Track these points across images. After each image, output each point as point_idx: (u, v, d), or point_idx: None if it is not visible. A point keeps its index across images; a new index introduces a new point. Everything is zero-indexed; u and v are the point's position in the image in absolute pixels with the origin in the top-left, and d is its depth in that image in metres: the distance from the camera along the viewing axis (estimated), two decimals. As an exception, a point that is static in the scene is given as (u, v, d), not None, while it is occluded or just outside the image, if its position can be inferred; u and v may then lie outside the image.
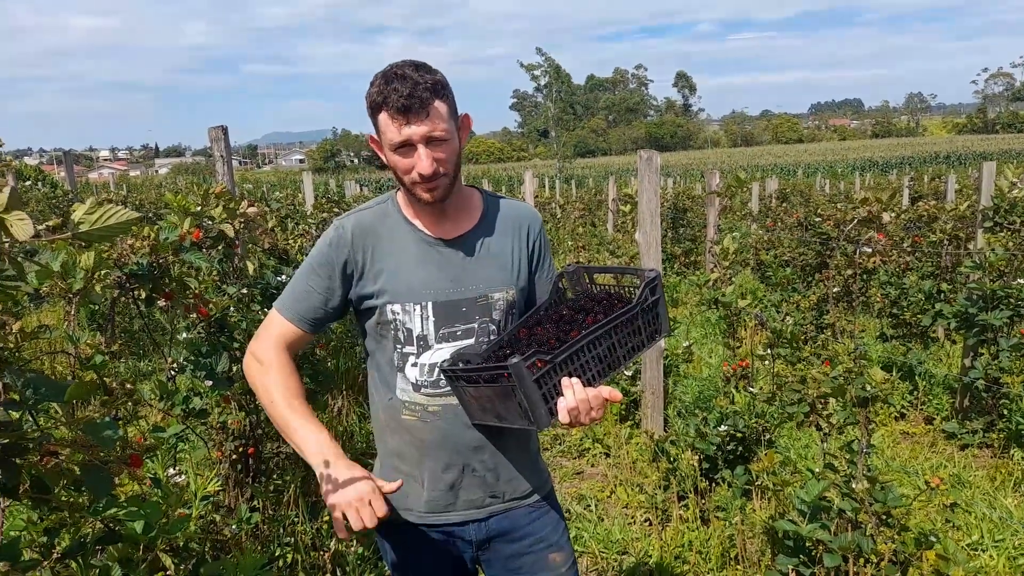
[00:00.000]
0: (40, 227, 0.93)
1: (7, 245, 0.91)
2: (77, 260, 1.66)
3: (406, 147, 1.47)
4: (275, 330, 1.64)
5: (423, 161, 1.46)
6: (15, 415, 1.19)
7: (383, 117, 1.46)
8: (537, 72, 67.06)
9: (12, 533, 1.56)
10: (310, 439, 1.49)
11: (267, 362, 1.60)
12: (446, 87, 1.49)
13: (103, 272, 1.73)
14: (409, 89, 1.41)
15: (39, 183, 7.17)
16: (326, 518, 3.14)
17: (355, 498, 1.40)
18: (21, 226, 0.87)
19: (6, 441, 1.15)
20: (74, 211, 0.94)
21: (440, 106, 1.46)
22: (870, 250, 5.52)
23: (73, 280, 1.59)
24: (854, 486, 2.64)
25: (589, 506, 3.94)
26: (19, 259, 1.03)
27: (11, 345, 1.37)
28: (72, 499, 1.46)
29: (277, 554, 2.88)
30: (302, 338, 1.65)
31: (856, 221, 4.99)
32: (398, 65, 1.46)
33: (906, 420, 5.10)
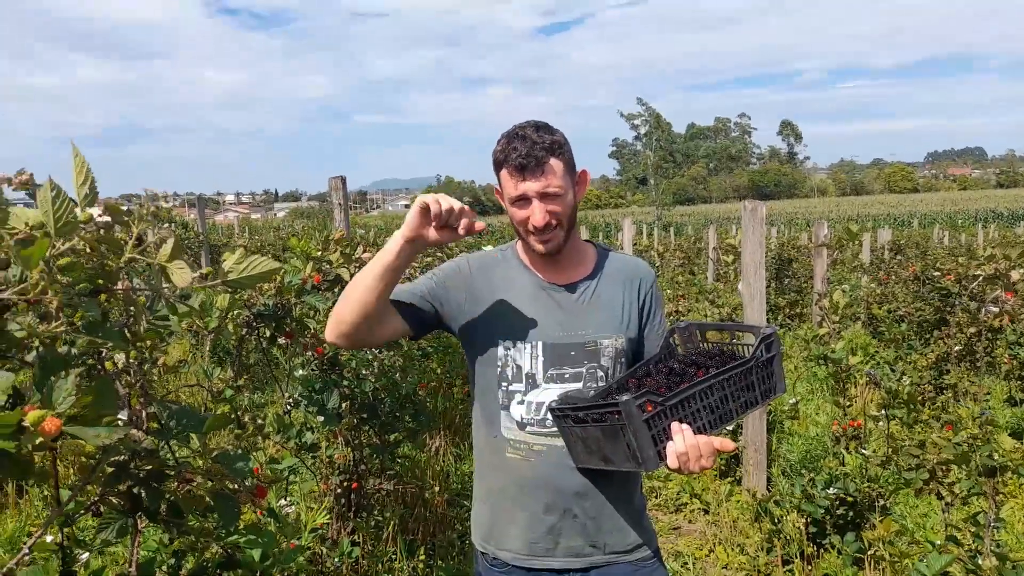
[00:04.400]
0: (195, 275, 1.04)
1: (167, 291, 1.01)
2: (214, 300, 1.80)
3: (522, 200, 1.57)
4: None
5: (537, 214, 1.56)
6: (158, 444, 1.30)
7: (504, 173, 1.58)
8: (637, 121, 67.30)
9: (145, 553, 1.68)
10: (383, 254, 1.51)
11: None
12: (563, 146, 1.58)
13: (236, 312, 1.87)
14: (527, 149, 1.52)
15: (172, 225, 7.80)
16: (422, 557, 3.20)
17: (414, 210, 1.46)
18: (181, 274, 0.97)
19: (150, 468, 1.26)
20: (224, 260, 1.04)
21: (556, 164, 1.55)
22: (996, 309, 5.17)
23: (210, 319, 1.72)
24: (980, 562, 2.45)
25: (687, 564, 3.82)
26: (172, 302, 1.14)
27: (155, 379, 1.50)
28: (200, 524, 1.57)
29: (375, 590, 2.94)
30: (395, 318, 1.62)
31: (982, 278, 4.70)
32: (520, 126, 1.58)
33: (1039, 493, 4.68)
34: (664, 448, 1.37)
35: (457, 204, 1.46)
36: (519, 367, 1.64)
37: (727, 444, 1.41)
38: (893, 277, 9.08)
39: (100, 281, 1.00)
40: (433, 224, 1.47)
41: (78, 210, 1.02)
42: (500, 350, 1.65)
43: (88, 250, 1.00)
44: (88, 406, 0.92)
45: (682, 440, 1.36)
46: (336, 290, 2.73)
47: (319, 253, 2.58)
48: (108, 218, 1.06)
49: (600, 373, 1.65)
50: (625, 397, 1.32)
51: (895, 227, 36.65)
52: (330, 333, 1.61)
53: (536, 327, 1.64)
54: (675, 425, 1.38)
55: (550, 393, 1.63)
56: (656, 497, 4.75)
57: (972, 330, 5.92)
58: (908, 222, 53.24)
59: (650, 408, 1.35)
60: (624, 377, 1.62)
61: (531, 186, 1.54)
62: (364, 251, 2.98)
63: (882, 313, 7.88)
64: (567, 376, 1.64)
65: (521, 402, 1.64)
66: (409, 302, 1.64)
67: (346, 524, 3.20)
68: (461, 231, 1.48)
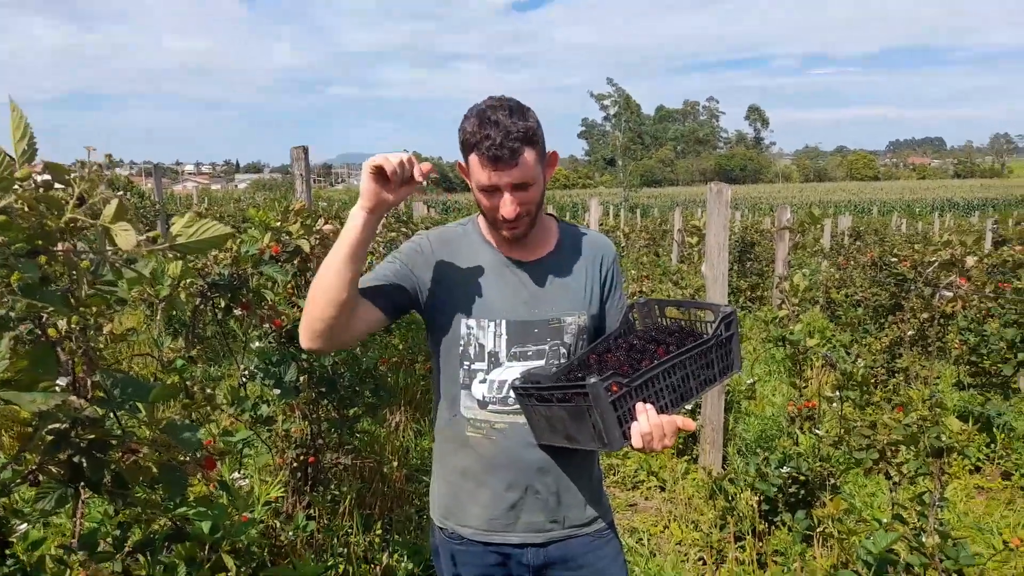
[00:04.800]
0: (141, 237, 1.00)
1: (111, 253, 0.97)
2: (165, 268, 1.75)
3: (493, 190, 1.53)
4: None
5: (507, 206, 1.52)
6: (101, 412, 1.26)
7: (473, 158, 1.51)
8: (607, 102, 67.32)
9: (89, 524, 1.64)
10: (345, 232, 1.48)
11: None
12: (536, 132, 1.52)
13: (188, 281, 1.82)
14: (500, 138, 1.45)
15: (128, 193, 7.58)
16: (378, 531, 3.19)
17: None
18: (125, 236, 0.93)
19: (92, 437, 1.22)
20: (173, 223, 1.00)
21: (529, 154, 1.50)
22: (951, 295, 5.30)
23: (161, 287, 1.67)
24: (924, 540, 2.53)
25: (641, 540, 3.87)
26: (118, 267, 1.10)
27: (101, 346, 1.45)
28: (146, 496, 1.53)
29: (330, 564, 2.93)
30: (366, 306, 1.57)
31: (937, 264, 4.80)
32: (492, 107, 1.50)
33: (981, 474, 4.84)
34: (628, 428, 1.37)
35: (405, 155, 1.43)
36: (481, 346, 1.62)
37: (688, 423, 1.42)
38: (852, 262, 9.26)
39: (39, 242, 0.96)
40: (391, 183, 1.43)
41: (16, 167, 0.97)
42: (463, 328, 1.63)
43: (26, 208, 0.95)
44: (24, 370, 0.89)
45: (646, 420, 1.36)
46: (295, 261, 2.68)
47: (278, 223, 2.53)
48: (48, 176, 1.01)
49: (563, 350, 1.64)
50: (592, 379, 1.32)
51: (855, 214, 37.38)
52: (305, 339, 1.53)
53: (499, 305, 1.62)
54: (639, 405, 1.38)
55: (512, 371, 1.61)
56: (614, 474, 4.81)
57: (925, 315, 6.08)
58: (868, 209, 54.36)
59: (616, 389, 1.35)
60: (585, 353, 1.62)
61: (503, 178, 1.49)
62: (325, 223, 2.93)
63: (840, 297, 8.04)
64: (530, 354, 1.63)
65: (483, 381, 1.63)
66: (378, 286, 1.58)
67: (302, 498, 3.18)
68: (419, 178, 1.44)
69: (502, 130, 1.46)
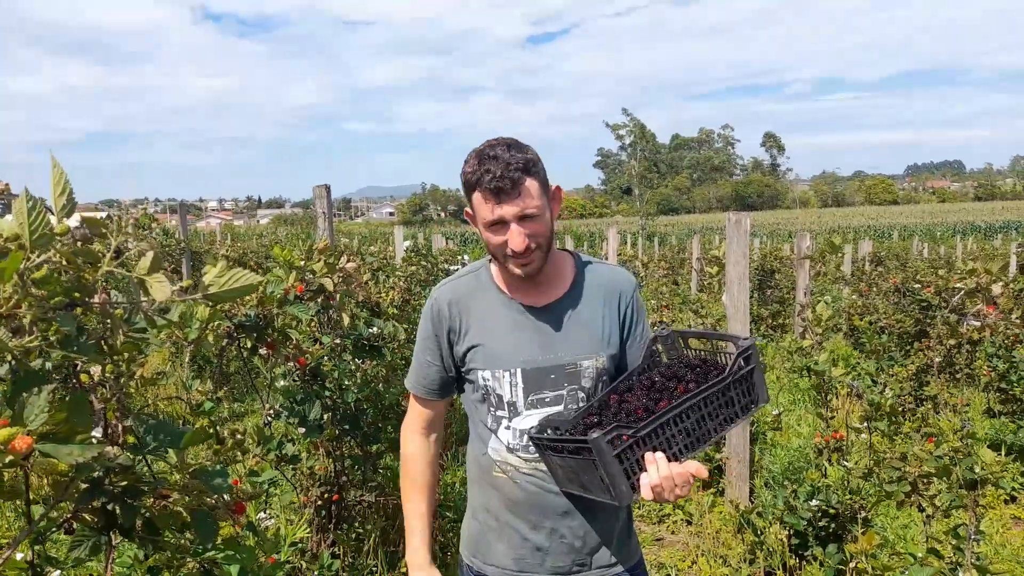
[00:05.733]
0: (175, 288, 1.02)
1: (145, 304, 0.99)
2: (194, 311, 1.77)
3: (499, 225, 1.52)
4: (414, 409, 1.80)
5: (515, 239, 1.51)
6: (134, 459, 1.27)
7: (477, 196, 1.52)
8: (622, 131, 67.72)
9: (119, 569, 1.64)
10: (410, 538, 1.76)
11: (405, 455, 1.82)
12: (537, 164, 1.52)
13: (216, 323, 1.84)
14: (501, 170, 1.46)
15: (152, 232, 7.71)
16: (403, 569, 3.16)
17: None
18: (160, 288, 0.95)
19: (124, 484, 1.23)
20: (206, 273, 1.02)
21: (531, 184, 1.50)
22: (979, 323, 5.21)
23: (189, 330, 1.70)
24: (961, 575, 2.46)
25: (669, 575, 3.81)
26: (152, 316, 1.12)
27: (133, 391, 1.47)
28: (176, 540, 1.53)
29: (356, 604, 2.91)
30: (437, 404, 1.78)
31: (963, 292, 4.74)
32: (491, 144, 1.51)
33: (1017, 503, 4.72)
34: (637, 480, 1.33)
35: None
36: (500, 396, 1.63)
37: (701, 471, 1.36)
38: (874, 289, 9.16)
39: (76, 295, 0.98)
40: None
41: (55, 221, 1.00)
42: (480, 380, 1.64)
43: (64, 263, 0.98)
44: (61, 423, 0.90)
45: (656, 472, 1.32)
46: (319, 300, 2.71)
47: (302, 263, 2.56)
48: (86, 229, 1.04)
49: (581, 394, 1.62)
50: (594, 434, 1.29)
51: (875, 239, 37.04)
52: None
53: (514, 354, 1.61)
54: (648, 455, 1.33)
55: (531, 419, 1.61)
56: (639, 508, 4.74)
57: (952, 342, 5.98)
58: (888, 234, 53.84)
59: (625, 439, 1.32)
60: (606, 394, 1.59)
61: (508, 210, 1.48)
62: (348, 260, 2.96)
63: (863, 324, 7.95)
64: (548, 400, 1.61)
65: (508, 428, 1.64)
66: (429, 386, 1.74)
67: (326, 536, 3.16)
68: None
69: (501, 163, 1.46)
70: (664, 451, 1.36)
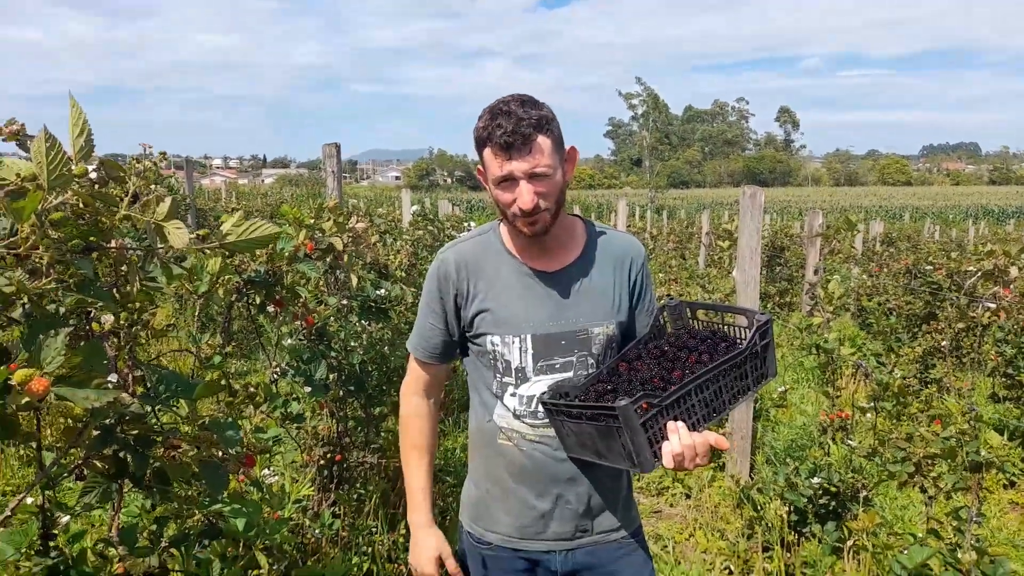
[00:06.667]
0: (191, 235, 1.00)
1: (162, 251, 0.98)
2: (205, 264, 1.76)
3: (508, 181, 1.48)
4: (414, 371, 1.78)
5: (524, 196, 1.47)
6: (147, 408, 1.27)
7: (487, 152, 1.48)
8: (635, 101, 67.02)
9: (126, 518, 1.65)
10: (411, 498, 1.78)
11: (404, 417, 1.80)
12: (551, 122, 1.48)
13: (226, 277, 1.83)
14: (512, 125, 1.42)
15: (158, 186, 7.67)
16: (402, 531, 3.19)
17: (424, 561, 1.73)
18: (178, 234, 0.94)
19: (136, 432, 1.23)
20: (224, 222, 1.00)
21: (543, 141, 1.46)
22: (994, 306, 5.17)
23: (199, 283, 1.68)
24: (960, 556, 2.47)
25: (667, 547, 3.84)
26: (168, 263, 1.10)
27: (143, 342, 1.46)
28: (184, 492, 1.54)
29: (354, 562, 2.94)
30: (439, 368, 1.76)
31: (980, 274, 4.69)
32: (504, 100, 1.47)
33: (1016, 489, 4.74)
34: (659, 448, 1.34)
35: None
36: (508, 362, 1.60)
37: (722, 441, 1.36)
38: (884, 270, 9.12)
39: (93, 238, 0.97)
40: None
41: (73, 163, 0.98)
42: (489, 345, 1.61)
43: (82, 205, 0.96)
44: (77, 367, 0.89)
45: (678, 440, 1.32)
46: (328, 259, 2.69)
47: (312, 221, 2.54)
48: (104, 172, 1.01)
49: (591, 361, 1.61)
50: (623, 402, 1.28)
51: (887, 220, 36.82)
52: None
53: (524, 319, 1.59)
54: (671, 424, 1.33)
55: (540, 385, 1.59)
56: (638, 480, 4.77)
57: (961, 325, 5.96)
58: (900, 215, 53.50)
59: (647, 407, 1.31)
60: (615, 361, 1.59)
61: (518, 166, 1.44)
62: (357, 221, 2.93)
63: (872, 305, 7.92)
64: (557, 366, 1.59)
65: (513, 395, 1.61)
66: (431, 350, 1.72)
67: (328, 496, 3.19)
68: None
69: (514, 118, 1.43)
70: (684, 420, 1.36)
